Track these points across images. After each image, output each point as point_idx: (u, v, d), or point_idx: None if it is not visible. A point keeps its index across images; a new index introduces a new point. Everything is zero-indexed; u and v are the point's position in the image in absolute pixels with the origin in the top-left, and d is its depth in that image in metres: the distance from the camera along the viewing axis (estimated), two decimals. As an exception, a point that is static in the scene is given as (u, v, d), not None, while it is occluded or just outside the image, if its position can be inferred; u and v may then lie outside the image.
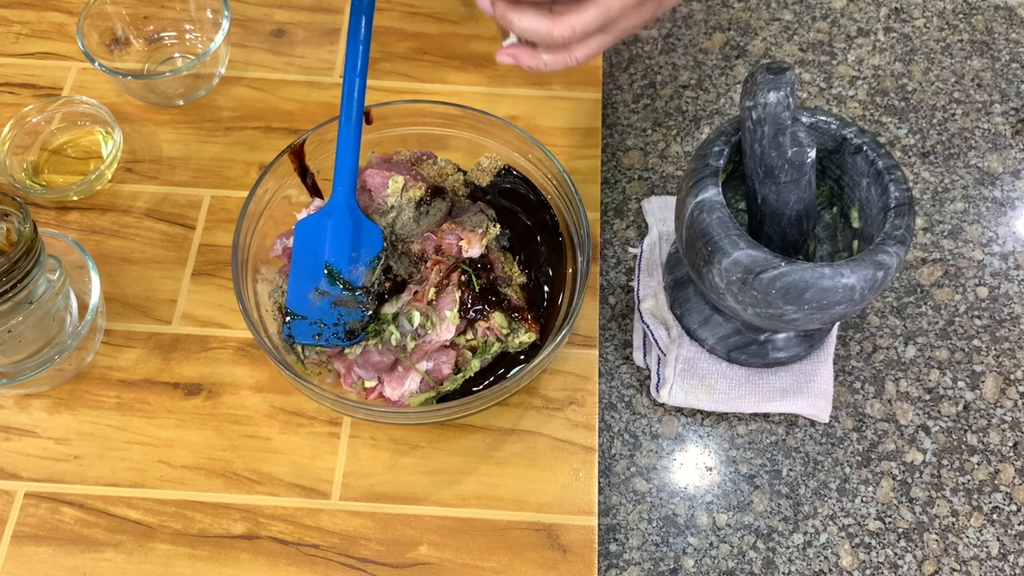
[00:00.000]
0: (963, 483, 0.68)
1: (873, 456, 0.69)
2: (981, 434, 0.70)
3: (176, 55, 0.84)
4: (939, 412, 0.71)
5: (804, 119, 0.63)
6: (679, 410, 0.70)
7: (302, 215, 0.69)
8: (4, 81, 0.82)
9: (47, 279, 0.65)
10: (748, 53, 0.87)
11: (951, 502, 0.68)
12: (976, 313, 0.75)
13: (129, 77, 0.78)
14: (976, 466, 0.69)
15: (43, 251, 0.64)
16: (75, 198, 0.76)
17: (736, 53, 0.87)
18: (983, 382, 0.72)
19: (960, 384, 0.72)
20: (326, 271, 0.67)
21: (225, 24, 0.79)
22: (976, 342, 0.73)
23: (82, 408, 0.68)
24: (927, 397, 0.71)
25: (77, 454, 0.67)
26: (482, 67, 0.84)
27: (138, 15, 0.82)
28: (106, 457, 0.67)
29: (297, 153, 0.69)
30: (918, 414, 0.71)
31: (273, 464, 0.67)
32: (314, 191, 0.72)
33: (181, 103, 0.81)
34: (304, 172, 0.71)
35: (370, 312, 0.66)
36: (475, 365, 0.66)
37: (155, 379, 0.70)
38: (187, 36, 0.84)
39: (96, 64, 0.77)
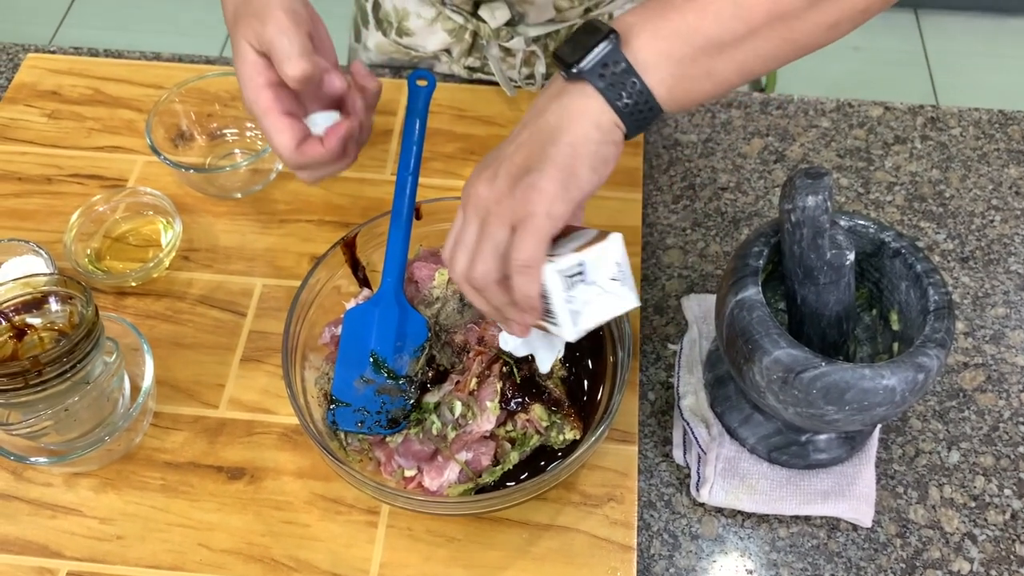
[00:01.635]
0: (1013, 596, 0.66)
1: (918, 564, 0.67)
2: (1030, 545, 0.68)
3: (236, 151, 0.88)
4: (986, 520, 0.69)
5: (843, 222, 0.64)
6: (719, 510, 0.70)
7: (351, 304, 0.72)
8: (74, 172, 0.87)
9: (104, 361, 0.67)
10: (786, 158, 0.89)
11: (1001, 615, 0.65)
12: (1021, 419, 0.74)
13: (191, 171, 0.82)
14: (1026, 578, 0.67)
15: (102, 334, 0.66)
16: (133, 284, 0.79)
17: (775, 158, 0.89)
18: (1031, 491, 0.71)
19: (1007, 492, 0.70)
20: (372, 359, 0.69)
21: (285, 123, 0.83)
22: (1022, 449, 0.72)
23: (128, 488, 0.69)
24: (972, 504, 0.70)
25: (120, 534, 0.68)
26: (527, 167, 0.87)
27: (203, 113, 0.87)
28: (148, 539, 0.67)
29: (349, 245, 0.72)
30: (964, 521, 0.69)
31: (311, 551, 0.67)
32: (364, 282, 0.74)
33: (239, 196, 0.85)
34: (355, 263, 0.73)
35: (412, 401, 0.67)
36: (514, 457, 0.67)
37: (200, 462, 0.71)
38: (247, 133, 0.88)
39: (161, 158, 0.81)
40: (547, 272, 0.54)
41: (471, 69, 0.93)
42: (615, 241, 0.55)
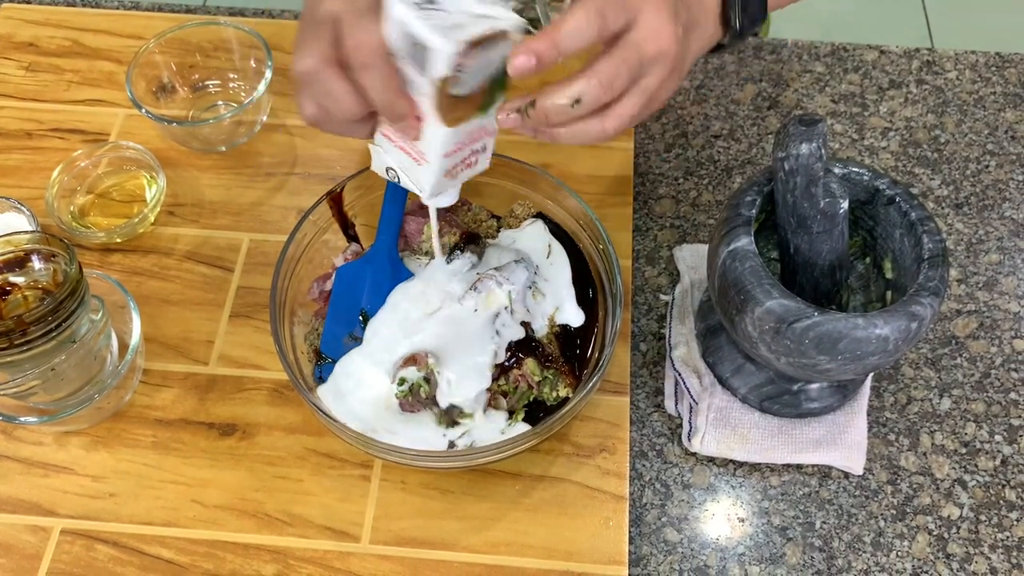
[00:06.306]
0: (1002, 540, 0.67)
1: (908, 510, 0.68)
2: (1020, 489, 0.69)
3: (219, 103, 0.86)
4: (976, 466, 0.70)
5: (836, 170, 0.63)
6: (711, 460, 0.70)
7: (339, 260, 0.71)
8: (55, 127, 0.85)
9: (90, 319, 0.66)
10: (780, 104, 0.88)
11: (989, 559, 0.66)
12: (1013, 366, 0.74)
13: (174, 124, 0.81)
14: (1015, 522, 0.67)
15: (87, 292, 0.65)
16: (119, 240, 0.78)
17: (768, 104, 0.88)
18: (1021, 436, 0.71)
19: (997, 438, 0.71)
20: (361, 317, 0.68)
21: (268, 73, 0.81)
22: (1013, 395, 0.73)
23: (119, 446, 0.69)
24: (963, 451, 0.70)
25: (113, 492, 0.68)
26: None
27: (184, 64, 0.85)
28: (141, 496, 0.67)
29: (336, 200, 0.71)
30: (954, 468, 0.70)
31: (304, 506, 0.67)
32: (354, 238, 0.73)
33: (223, 149, 0.84)
34: (343, 217, 0.72)
35: (403, 356, 0.67)
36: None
37: (191, 419, 0.71)
38: (230, 84, 0.87)
39: (143, 111, 0.79)
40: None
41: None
42: None
